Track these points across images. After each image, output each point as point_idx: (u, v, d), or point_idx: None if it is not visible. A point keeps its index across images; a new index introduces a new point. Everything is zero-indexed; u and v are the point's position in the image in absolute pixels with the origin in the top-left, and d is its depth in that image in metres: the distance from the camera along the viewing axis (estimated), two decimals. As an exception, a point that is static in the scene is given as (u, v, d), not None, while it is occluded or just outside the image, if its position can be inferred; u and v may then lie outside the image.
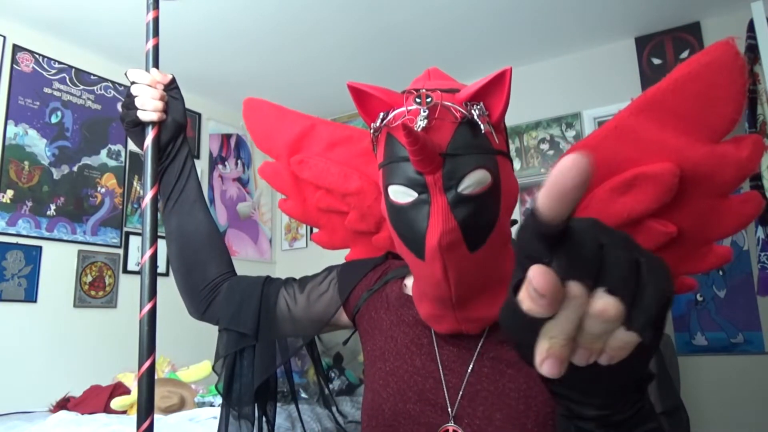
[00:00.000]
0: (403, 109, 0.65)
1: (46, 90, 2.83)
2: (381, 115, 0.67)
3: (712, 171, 0.64)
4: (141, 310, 0.85)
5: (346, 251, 1.05)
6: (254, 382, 0.88)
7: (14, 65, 2.71)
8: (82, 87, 2.98)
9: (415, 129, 0.61)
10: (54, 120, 2.84)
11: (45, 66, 2.84)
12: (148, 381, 0.83)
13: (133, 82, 0.89)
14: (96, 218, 2.95)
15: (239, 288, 0.91)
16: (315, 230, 1.06)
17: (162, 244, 1.06)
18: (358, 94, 0.67)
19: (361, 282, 0.87)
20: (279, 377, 0.97)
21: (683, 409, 0.64)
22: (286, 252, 4.01)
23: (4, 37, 2.69)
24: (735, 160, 0.63)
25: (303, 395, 2.18)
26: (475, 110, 0.64)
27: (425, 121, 0.63)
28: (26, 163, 2.69)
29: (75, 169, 2.90)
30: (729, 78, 0.61)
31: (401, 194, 0.66)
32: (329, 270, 0.92)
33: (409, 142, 0.58)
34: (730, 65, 0.61)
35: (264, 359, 0.88)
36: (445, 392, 0.71)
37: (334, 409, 1.08)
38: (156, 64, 0.92)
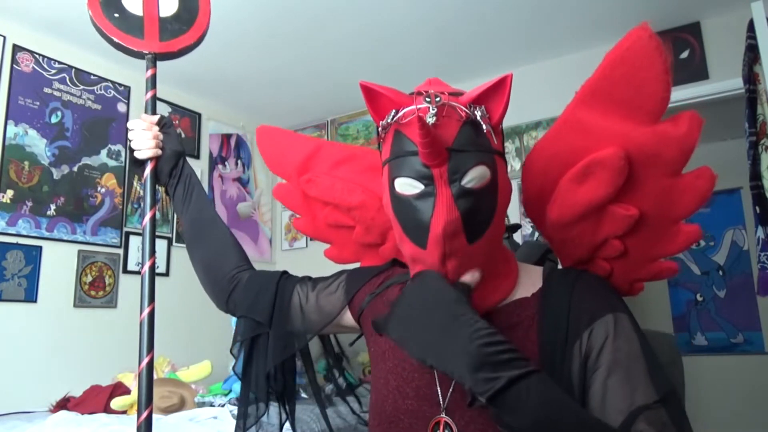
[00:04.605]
0: (413, 107, 0.71)
1: (46, 90, 2.83)
2: (392, 112, 0.73)
3: (656, 150, 0.69)
4: (141, 312, 0.97)
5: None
6: (267, 366, 0.96)
7: (14, 65, 2.71)
8: (82, 87, 2.98)
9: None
10: (54, 120, 2.84)
11: (45, 66, 2.84)
12: (148, 375, 0.93)
13: (130, 130, 1.04)
14: (96, 218, 2.95)
15: (257, 281, 0.99)
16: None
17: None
18: (369, 92, 0.73)
19: (365, 285, 0.93)
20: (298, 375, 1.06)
21: (675, 392, 0.67)
22: (286, 252, 4.01)
23: (4, 37, 2.69)
24: (675, 137, 0.68)
25: (303, 395, 2.18)
26: (477, 111, 0.71)
27: (434, 118, 0.69)
28: (26, 163, 2.69)
29: (75, 169, 2.90)
30: (649, 59, 0.67)
31: (407, 186, 0.72)
32: (340, 273, 0.98)
33: (421, 134, 0.64)
34: (647, 47, 0.67)
35: (277, 346, 0.95)
36: (438, 386, 0.75)
37: (343, 408, 1.16)
38: (153, 111, 1.07)
